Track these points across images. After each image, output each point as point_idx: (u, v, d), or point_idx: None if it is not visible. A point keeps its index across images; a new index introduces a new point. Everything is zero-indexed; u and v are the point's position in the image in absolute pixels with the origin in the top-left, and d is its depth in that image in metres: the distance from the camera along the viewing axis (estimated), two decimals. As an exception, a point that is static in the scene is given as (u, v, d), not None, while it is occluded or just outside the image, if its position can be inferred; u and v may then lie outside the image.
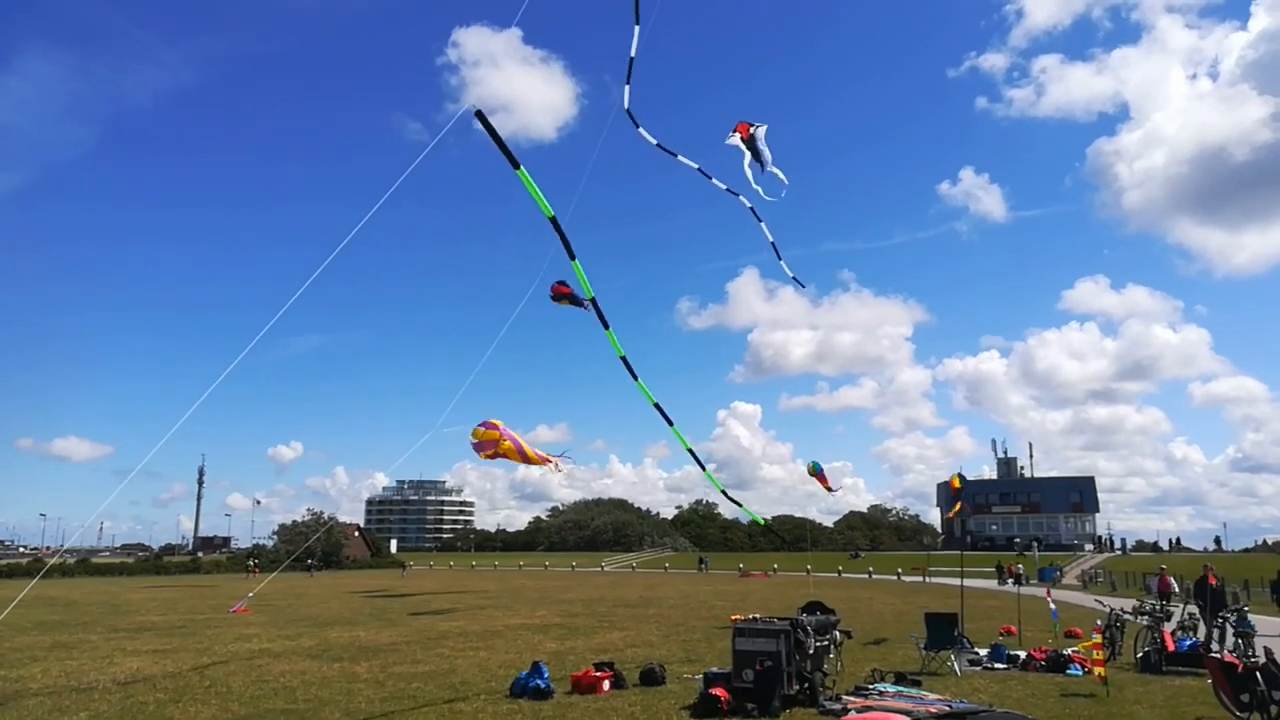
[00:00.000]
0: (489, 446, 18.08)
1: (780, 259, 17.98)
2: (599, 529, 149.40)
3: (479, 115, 7.74)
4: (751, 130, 15.98)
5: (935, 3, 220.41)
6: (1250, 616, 17.53)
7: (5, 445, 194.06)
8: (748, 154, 16.01)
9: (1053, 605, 19.76)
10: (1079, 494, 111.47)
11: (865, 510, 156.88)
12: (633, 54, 13.44)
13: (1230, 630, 16.81)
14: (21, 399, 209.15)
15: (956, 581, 33.51)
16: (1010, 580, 44.53)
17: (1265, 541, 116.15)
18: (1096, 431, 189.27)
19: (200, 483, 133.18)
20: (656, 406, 10.89)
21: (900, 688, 12.25)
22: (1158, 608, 17.38)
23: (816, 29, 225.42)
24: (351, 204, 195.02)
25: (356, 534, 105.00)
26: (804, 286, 31.80)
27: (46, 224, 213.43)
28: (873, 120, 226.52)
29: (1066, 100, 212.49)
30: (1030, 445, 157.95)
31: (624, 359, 10.47)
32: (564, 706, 11.20)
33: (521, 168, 8.08)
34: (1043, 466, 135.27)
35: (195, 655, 16.73)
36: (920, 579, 57.57)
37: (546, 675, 12.25)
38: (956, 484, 27.30)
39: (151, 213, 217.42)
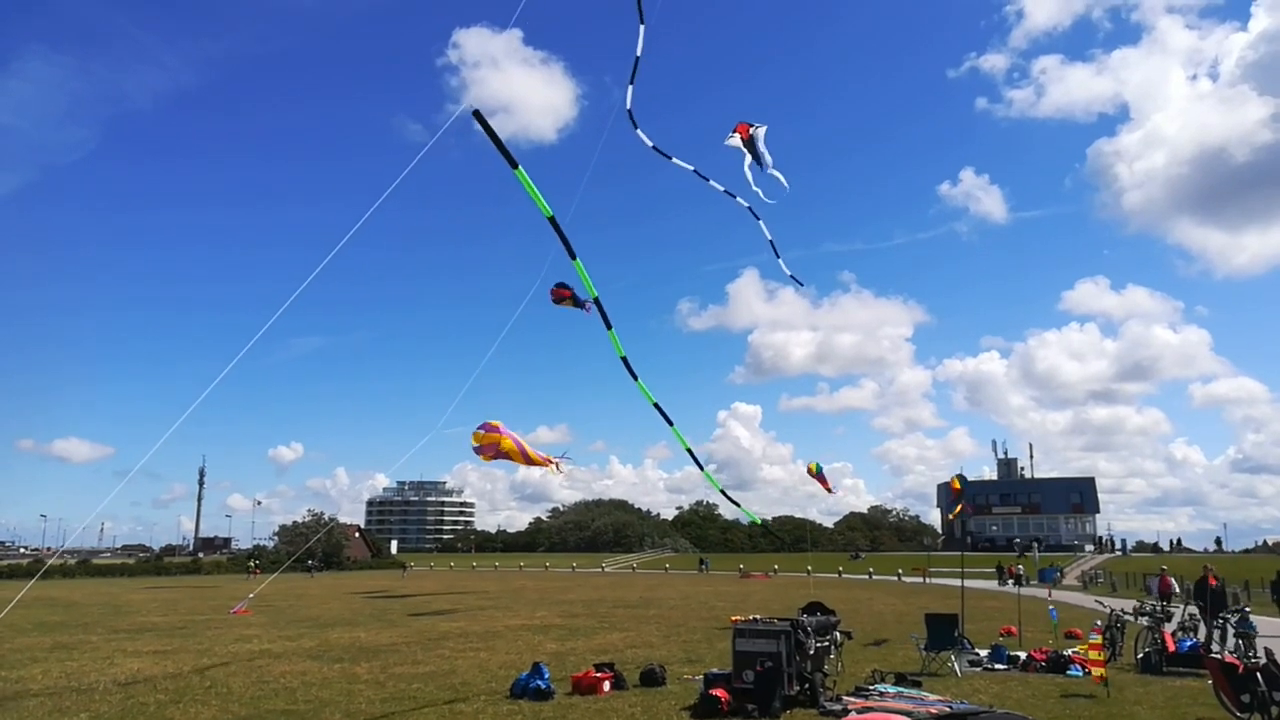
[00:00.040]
0: (490, 449, 18.11)
1: (778, 257, 18.02)
2: (599, 530, 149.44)
3: (476, 115, 7.74)
4: (751, 131, 16.00)
5: (935, 3, 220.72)
6: (1251, 617, 17.55)
7: (6, 446, 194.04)
8: (748, 155, 16.04)
9: (1051, 606, 19.76)
10: (1079, 495, 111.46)
11: (865, 511, 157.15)
12: (638, 53, 13.45)
13: (1231, 631, 16.82)
14: (22, 400, 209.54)
15: (957, 582, 33.51)
16: (1010, 581, 44.52)
17: (1265, 542, 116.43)
18: (1097, 432, 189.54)
19: (201, 483, 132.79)
20: (656, 406, 10.90)
21: (901, 688, 12.25)
22: (1158, 608, 17.39)
23: (816, 29, 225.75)
24: (352, 205, 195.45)
25: (357, 535, 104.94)
26: (802, 285, 31.85)
27: (47, 225, 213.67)
28: (873, 120, 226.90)
29: (1066, 101, 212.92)
30: (1030, 446, 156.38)
31: (624, 359, 10.48)
32: (564, 707, 11.20)
33: (519, 167, 8.08)
34: (1043, 467, 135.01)
35: (196, 656, 16.73)
36: (920, 580, 57.54)
37: (547, 676, 12.25)
38: (957, 486, 27.37)
39: (151, 214, 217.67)
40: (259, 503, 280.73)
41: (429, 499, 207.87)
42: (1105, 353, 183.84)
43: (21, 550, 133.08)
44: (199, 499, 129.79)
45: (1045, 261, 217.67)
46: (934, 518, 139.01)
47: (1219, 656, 11.89)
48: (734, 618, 16.02)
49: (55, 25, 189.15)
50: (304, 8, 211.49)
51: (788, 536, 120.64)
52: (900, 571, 65.31)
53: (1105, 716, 10.85)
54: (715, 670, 12.39)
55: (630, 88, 13.84)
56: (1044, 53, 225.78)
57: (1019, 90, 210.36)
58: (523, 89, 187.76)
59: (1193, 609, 21.17)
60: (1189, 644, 15.12)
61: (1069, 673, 14.06)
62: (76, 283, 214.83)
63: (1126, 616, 17.16)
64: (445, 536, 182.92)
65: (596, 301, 9.97)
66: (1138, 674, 14.39)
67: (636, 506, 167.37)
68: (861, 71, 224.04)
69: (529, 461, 18.75)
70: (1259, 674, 9.70)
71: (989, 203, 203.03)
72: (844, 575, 67.18)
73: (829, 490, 31.17)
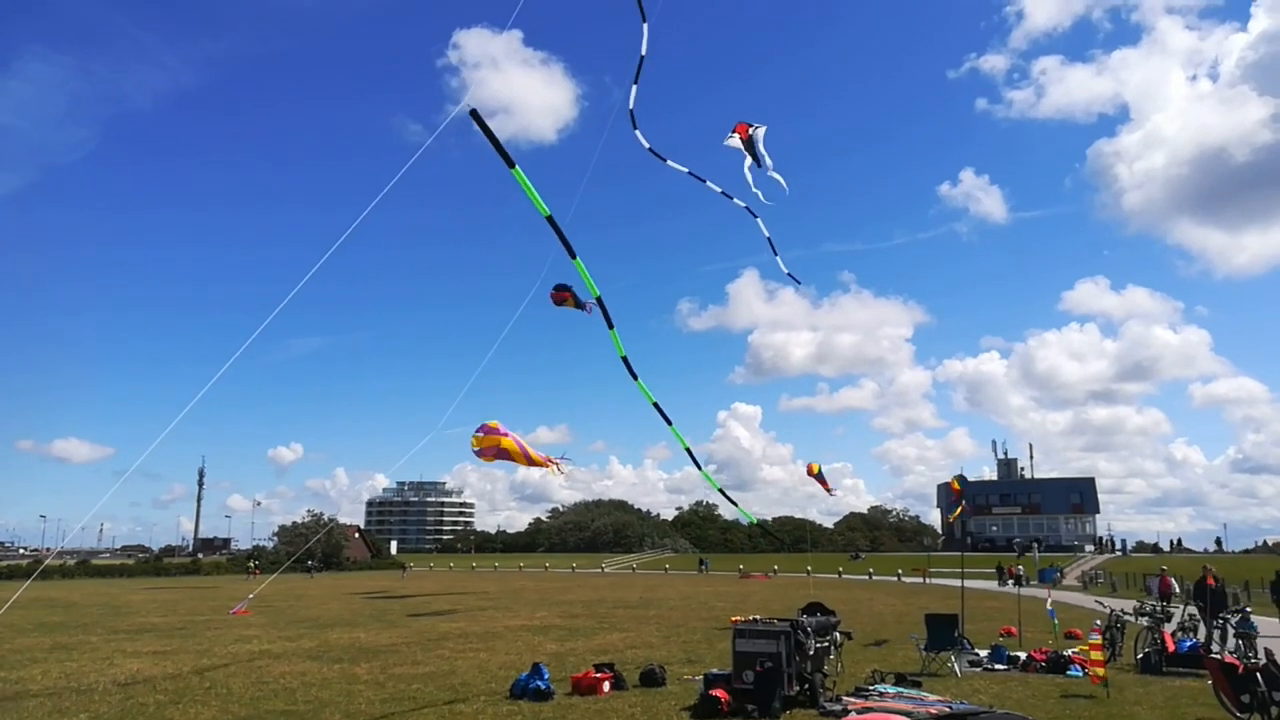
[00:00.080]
0: (490, 451, 18.12)
1: (776, 254, 18.01)
2: (599, 530, 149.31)
3: (474, 115, 7.73)
4: (751, 131, 16.00)
5: (935, 3, 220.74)
6: (1252, 617, 17.54)
7: (5, 446, 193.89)
8: (749, 156, 16.04)
9: (1050, 606, 19.76)
10: (1079, 495, 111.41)
11: (865, 511, 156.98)
12: (643, 52, 13.41)
13: (1231, 631, 16.80)
14: (21, 400, 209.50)
15: (957, 583, 33.50)
16: (1010, 581, 44.49)
17: (1265, 542, 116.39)
18: (1097, 432, 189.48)
19: (200, 484, 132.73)
20: (655, 406, 10.90)
21: (900, 689, 12.25)
22: (1158, 609, 17.38)
23: (816, 29, 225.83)
24: (351, 206, 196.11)
25: (357, 535, 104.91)
26: (800, 284, 31.89)
27: (47, 225, 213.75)
28: (873, 121, 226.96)
29: (1066, 101, 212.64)
30: (1030, 446, 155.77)
31: (625, 359, 10.47)
32: (564, 708, 11.20)
33: (516, 167, 8.07)
34: (1043, 467, 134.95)
35: (195, 657, 16.72)
36: (920, 580, 57.55)
37: (547, 676, 12.25)
38: (957, 488, 27.34)
39: (151, 214, 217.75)
40: (258, 503, 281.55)
41: (429, 499, 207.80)
42: (1105, 353, 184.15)
43: (21, 551, 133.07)
44: (198, 499, 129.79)
45: (1045, 262, 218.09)
46: (934, 518, 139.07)
47: (1219, 657, 11.89)
48: (734, 618, 16.01)
49: (55, 25, 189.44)
50: (304, 8, 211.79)
51: (787, 537, 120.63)
52: (900, 572, 65.33)
53: (1105, 717, 10.85)
54: (715, 670, 12.37)
55: (634, 87, 13.81)
56: (1044, 53, 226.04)
57: (1019, 91, 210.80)
58: (523, 89, 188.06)
59: (1192, 609, 21.15)
60: (1189, 644, 15.11)
61: (1069, 673, 14.05)
62: (76, 283, 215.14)
63: (1126, 617, 17.16)
64: (445, 537, 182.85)
65: (599, 301, 9.97)
66: (1138, 674, 14.39)
67: (636, 507, 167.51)
68: (861, 72, 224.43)
69: (529, 462, 18.77)
70: (1259, 674, 9.70)
71: (989, 203, 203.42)
72: (844, 576, 67.18)
73: (829, 491, 31.23)
